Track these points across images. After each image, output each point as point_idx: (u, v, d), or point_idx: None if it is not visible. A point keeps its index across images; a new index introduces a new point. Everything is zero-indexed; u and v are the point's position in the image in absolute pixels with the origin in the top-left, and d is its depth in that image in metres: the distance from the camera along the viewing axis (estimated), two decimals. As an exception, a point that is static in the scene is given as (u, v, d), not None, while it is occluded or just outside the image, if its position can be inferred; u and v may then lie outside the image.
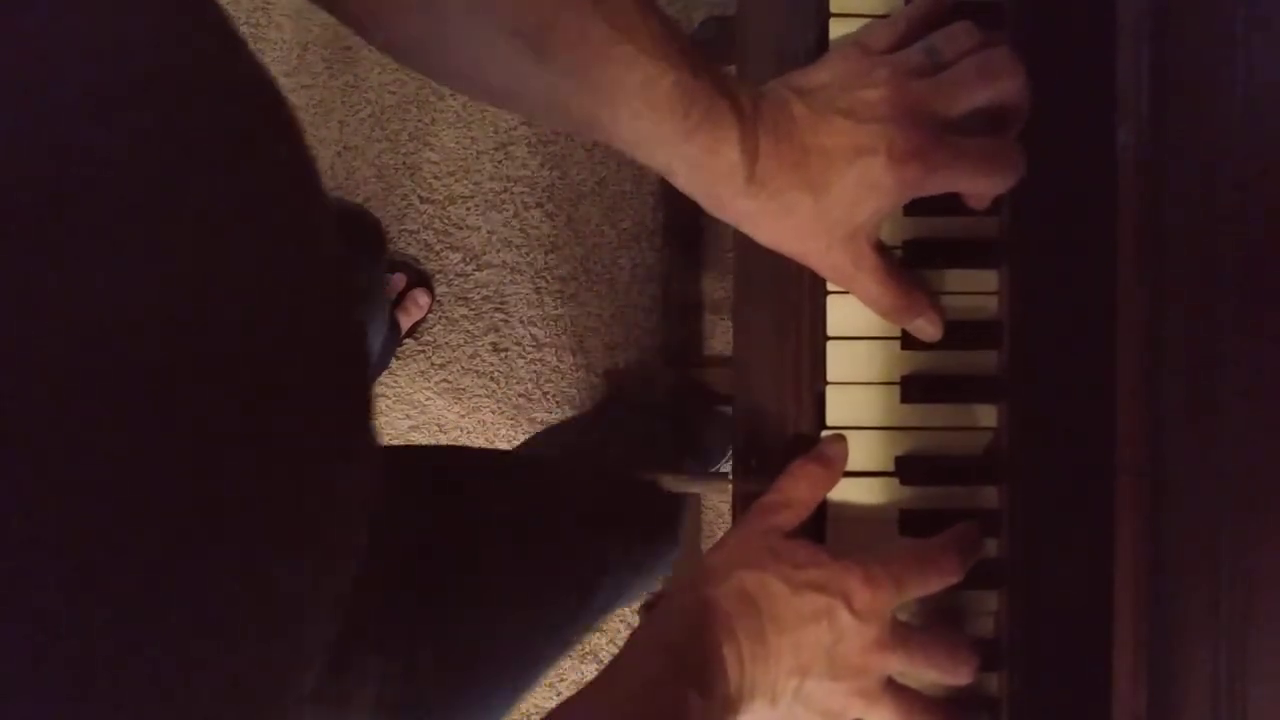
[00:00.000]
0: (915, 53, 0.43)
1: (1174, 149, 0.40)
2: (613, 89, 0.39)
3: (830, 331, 0.46)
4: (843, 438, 0.46)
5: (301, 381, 0.29)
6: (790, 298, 0.47)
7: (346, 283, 0.35)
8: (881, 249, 0.44)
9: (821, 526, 0.47)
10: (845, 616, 0.42)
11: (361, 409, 0.35)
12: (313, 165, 0.32)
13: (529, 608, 0.60)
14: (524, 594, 0.59)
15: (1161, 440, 0.39)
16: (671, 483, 0.92)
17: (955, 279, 0.46)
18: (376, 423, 0.38)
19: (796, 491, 0.45)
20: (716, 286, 1.22)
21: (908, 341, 0.46)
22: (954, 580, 0.44)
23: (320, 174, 0.33)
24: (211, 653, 0.25)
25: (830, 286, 0.46)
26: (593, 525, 0.69)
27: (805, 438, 0.47)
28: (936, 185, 0.42)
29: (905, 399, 0.46)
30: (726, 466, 1.17)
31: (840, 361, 0.46)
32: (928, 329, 0.45)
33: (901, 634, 0.43)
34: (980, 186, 0.43)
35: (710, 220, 1.30)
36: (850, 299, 0.46)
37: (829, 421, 0.47)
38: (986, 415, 0.47)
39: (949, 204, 0.45)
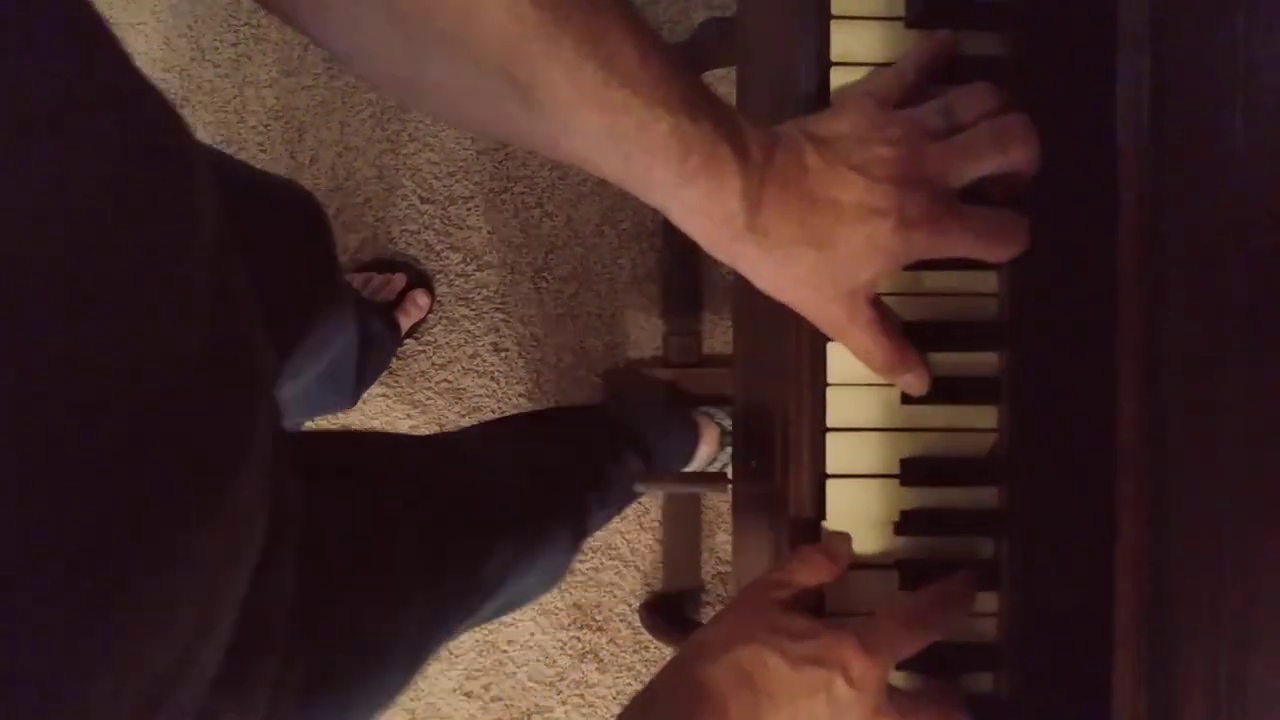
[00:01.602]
0: (932, 113, 0.43)
1: (1174, 151, 0.40)
2: (604, 133, 0.38)
3: (830, 332, 0.46)
4: (848, 536, 0.47)
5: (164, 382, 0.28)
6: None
7: (224, 276, 0.33)
8: (877, 303, 0.44)
9: (820, 528, 0.47)
10: (842, 688, 0.41)
11: (245, 424, 0.34)
12: (196, 169, 0.31)
13: (427, 603, 0.60)
14: (424, 589, 0.59)
15: (1162, 442, 0.39)
16: (650, 485, 0.92)
17: (955, 279, 0.46)
18: (269, 418, 0.37)
19: (801, 576, 0.45)
20: (716, 286, 1.22)
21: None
22: (945, 635, 0.44)
23: (190, 152, 0.31)
24: (108, 637, 0.25)
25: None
26: (498, 524, 0.69)
27: (805, 440, 0.47)
28: (942, 252, 0.42)
29: (905, 399, 0.46)
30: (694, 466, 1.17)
31: (840, 362, 0.46)
32: (915, 384, 0.45)
33: (896, 700, 0.43)
34: (985, 255, 0.43)
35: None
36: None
37: (829, 422, 0.47)
38: (986, 416, 0.47)
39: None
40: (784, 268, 0.42)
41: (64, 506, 0.24)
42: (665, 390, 1.20)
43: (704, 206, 0.40)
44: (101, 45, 0.28)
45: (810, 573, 0.45)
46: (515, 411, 1.25)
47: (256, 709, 0.41)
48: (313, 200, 0.78)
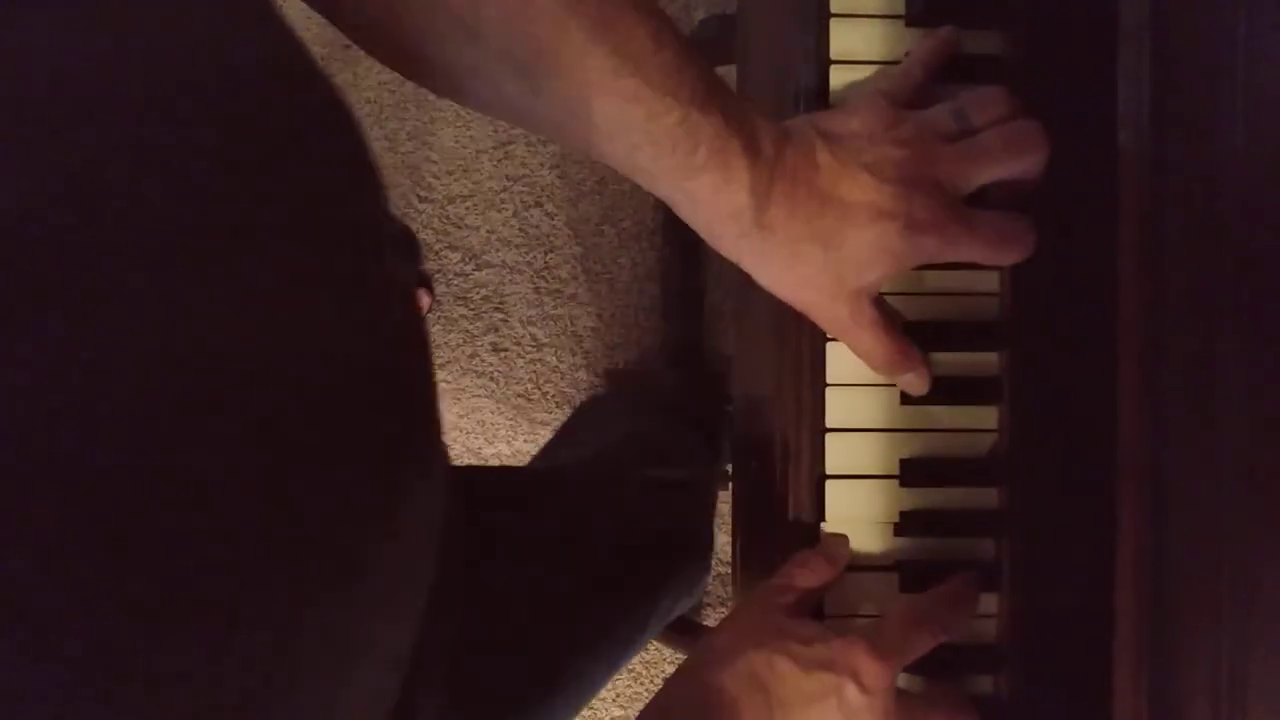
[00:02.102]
0: (944, 115, 0.43)
1: (1174, 151, 0.39)
2: (611, 121, 0.37)
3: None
4: (845, 538, 0.47)
5: (360, 405, 0.27)
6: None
7: (406, 296, 0.32)
8: (880, 303, 0.44)
9: (819, 529, 0.47)
10: (853, 693, 0.41)
11: (424, 433, 0.33)
12: (372, 166, 0.30)
13: (596, 646, 0.60)
14: (597, 631, 0.59)
15: (1162, 442, 0.39)
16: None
17: (956, 279, 0.46)
18: (443, 448, 0.36)
19: (804, 581, 0.45)
20: (716, 286, 1.22)
21: (908, 342, 0.46)
22: (954, 636, 0.44)
23: (380, 175, 0.30)
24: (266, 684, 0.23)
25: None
26: (643, 556, 0.69)
27: (804, 440, 0.47)
28: (949, 256, 0.42)
29: (906, 399, 0.46)
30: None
31: (840, 362, 0.46)
32: (916, 384, 0.45)
33: (905, 703, 0.43)
34: (991, 260, 0.43)
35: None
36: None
37: (829, 423, 0.46)
38: (987, 417, 0.47)
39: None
40: (789, 266, 0.41)
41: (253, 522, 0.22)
42: (665, 390, 1.20)
43: (710, 200, 0.40)
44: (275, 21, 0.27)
45: (809, 576, 0.45)
46: (514, 412, 1.25)
47: None
48: (413, 234, 0.77)
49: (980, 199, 0.43)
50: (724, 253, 0.42)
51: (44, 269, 0.19)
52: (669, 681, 0.44)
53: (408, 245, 0.75)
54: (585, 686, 0.60)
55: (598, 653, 0.61)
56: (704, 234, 0.42)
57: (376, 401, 0.28)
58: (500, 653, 0.51)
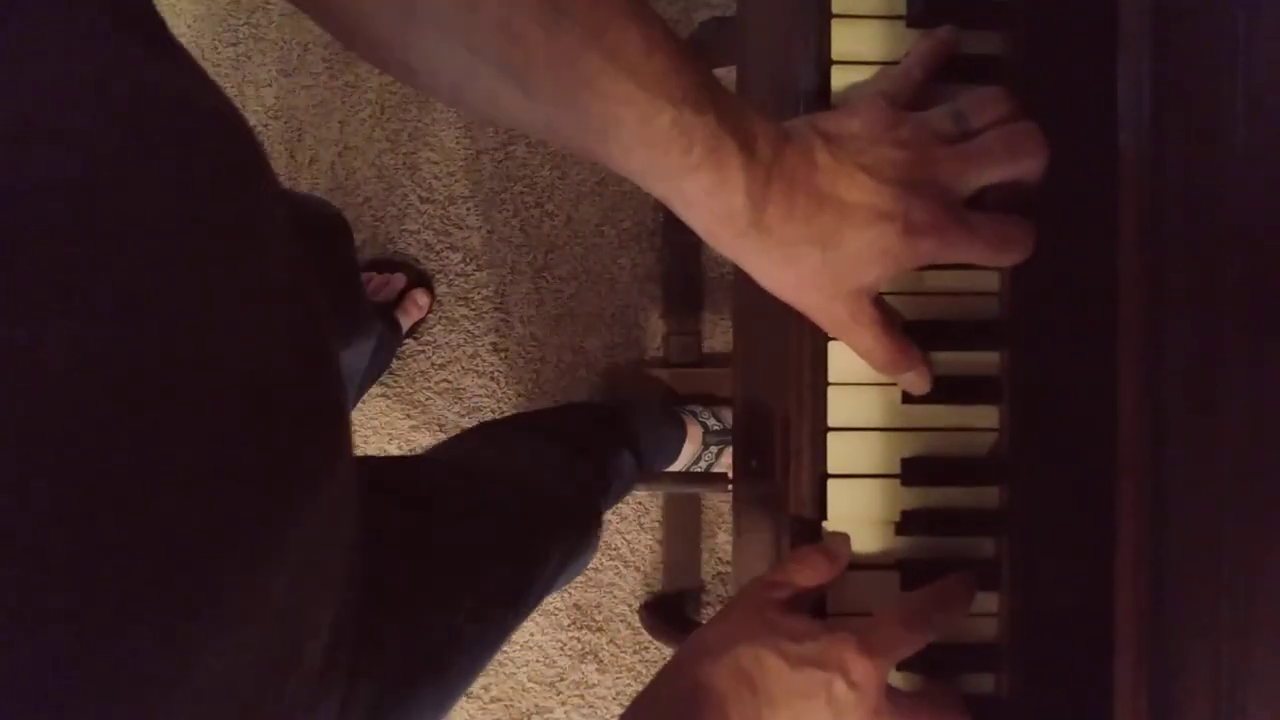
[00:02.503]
0: (943, 117, 0.43)
1: (1174, 151, 0.40)
2: (605, 124, 0.37)
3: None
4: (847, 536, 0.47)
5: (262, 412, 0.28)
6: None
7: (304, 293, 0.33)
8: (879, 302, 0.44)
9: (820, 528, 0.47)
10: (842, 689, 0.41)
11: (331, 438, 0.34)
12: (260, 168, 0.31)
13: (480, 612, 0.61)
14: (475, 599, 0.60)
15: (1162, 442, 0.39)
16: (649, 486, 0.94)
17: (956, 279, 0.46)
18: (350, 446, 0.37)
19: (800, 578, 0.45)
20: (716, 286, 1.22)
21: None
22: (943, 634, 0.44)
23: (269, 177, 0.32)
24: (202, 657, 0.25)
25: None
26: (531, 535, 0.71)
27: (805, 440, 0.47)
28: (947, 258, 0.42)
29: (906, 399, 0.46)
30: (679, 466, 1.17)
31: (841, 361, 0.46)
32: (917, 383, 0.45)
33: (895, 701, 0.43)
34: (990, 262, 0.43)
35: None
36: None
37: (830, 422, 0.47)
38: (987, 416, 0.47)
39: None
40: (787, 267, 0.41)
41: (151, 517, 0.23)
42: (664, 390, 1.20)
43: (705, 201, 0.40)
44: (174, 47, 0.28)
45: (809, 573, 0.45)
46: (514, 411, 1.25)
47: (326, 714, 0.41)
48: (342, 219, 0.79)
49: (978, 201, 0.43)
50: (722, 252, 0.42)
51: None
52: (658, 675, 0.44)
53: (332, 231, 0.76)
54: (477, 658, 0.62)
55: (483, 623, 0.62)
56: (701, 234, 0.42)
57: (274, 400, 0.29)
58: (393, 624, 0.52)
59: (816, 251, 0.41)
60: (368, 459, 0.68)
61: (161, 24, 0.28)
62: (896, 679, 0.46)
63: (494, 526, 0.67)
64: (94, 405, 0.22)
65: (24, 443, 0.20)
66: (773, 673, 0.42)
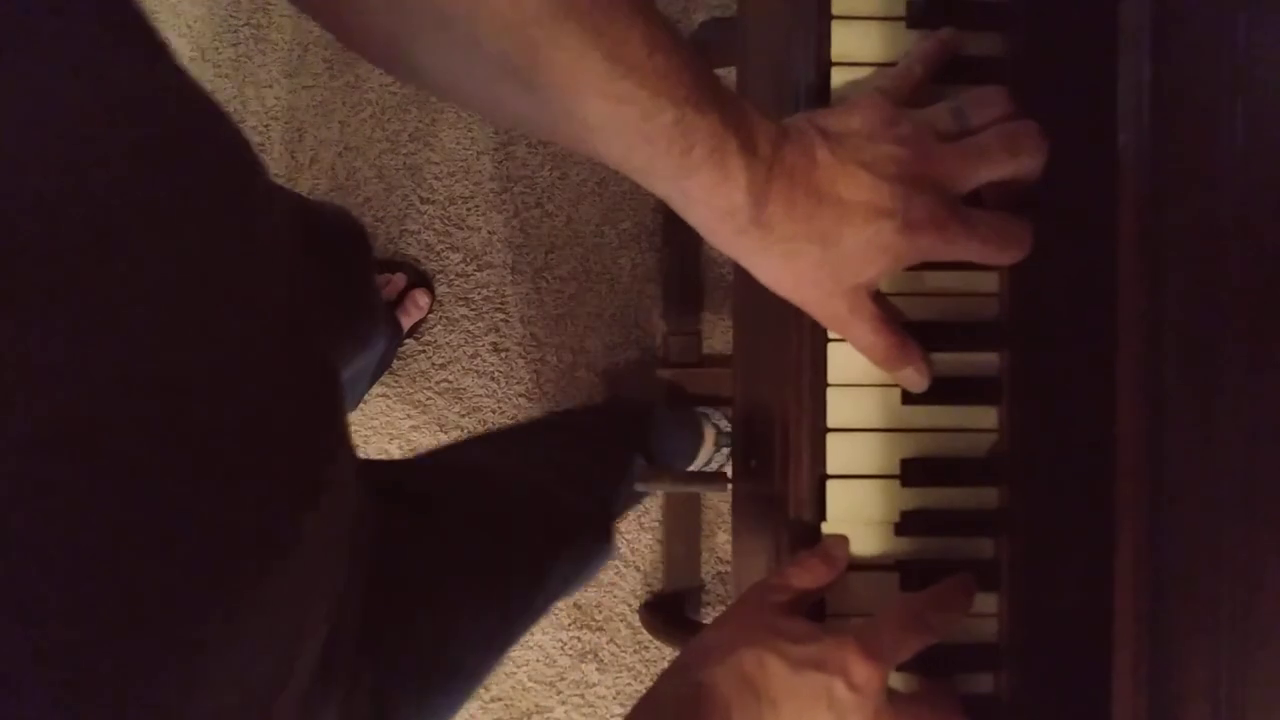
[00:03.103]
0: (943, 115, 0.43)
1: (1174, 151, 0.40)
2: (606, 122, 0.37)
3: (831, 333, 0.46)
4: (845, 539, 0.47)
5: (257, 418, 0.28)
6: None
7: (301, 303, 0.34)
8: (879, 298, 0.44)
9: (819, 529, 0.47)
10: (843, 692, 0.41)
11: (327, 439, 0.34)
12: (255, 173, 0.32)
13: (485, 617, 0.61)
14: (481, 604, 0.61)
15: (1161, 443, 0.39)
16: (649, 485, 0.94)
17: (956, 279, 0.46)
18: (350, 446, 0.38)
19: (800, 582, 0.45)
20: (716, 286, 1.22)
21: (908, 343, 0.46)
22: (944, 637, 0.44)
23: (263, 178, 0.32)
24: (200, 669, 0.25)
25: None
26: (540, 540, 0.71)
27: (805, 440, 0.47)
28: (946, 256, 0.42)
29: (906, 399, 0.46)
30: (700, 465, 1.17)
31: (841, 362, 0.46)
32: (916, 379, 0.45)
33: (896, 703, 0.43)
34: (988, 260, 0.43)
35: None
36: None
37: (830, 422, 0.47)
38: (987, 417, 0.47)
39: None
40: (787, 263, 0.42)
41: (149, 526, 0.24)
42: (665, 390, 1.20)
43: (706, 199, 0.40)
44: (156, 47, 0.29)
45: (808, 577, 0.45)
46: (516, 412, 1.25)
47: (333, 693, 0.42)
48: (359, 226, 0.79)
49: (975, 200, 0.43)
50: (721, 249, 0.42)
51: None
52: (660, 678, 0.44)
53: (350, 237, 0.77)
54: (483, 662, 0.62)
55: (489, 629, 0.62)
56: (701, 231, 0.42)
57: (272, 399, 0.30)
58: (399, 628, 0.52)
59: (816, 248, 0.41)
60: (379, 463, 0.68)
61: (152, 30, 0.28)
62: (896, 680, 0.46)
63: (503, 532, 0.67)
64: (90, 406, 0.22)
65: (25, 444, 0.21)
66: (775, 675, 0.42)
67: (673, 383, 1.20)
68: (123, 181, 0.25)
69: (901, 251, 0.41)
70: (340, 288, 0.72)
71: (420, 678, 0.54)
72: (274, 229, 0.32)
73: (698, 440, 1.14)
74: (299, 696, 0.35)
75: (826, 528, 0.47)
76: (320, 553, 0.33)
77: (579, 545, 0.77)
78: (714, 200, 0.40)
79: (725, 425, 1.16)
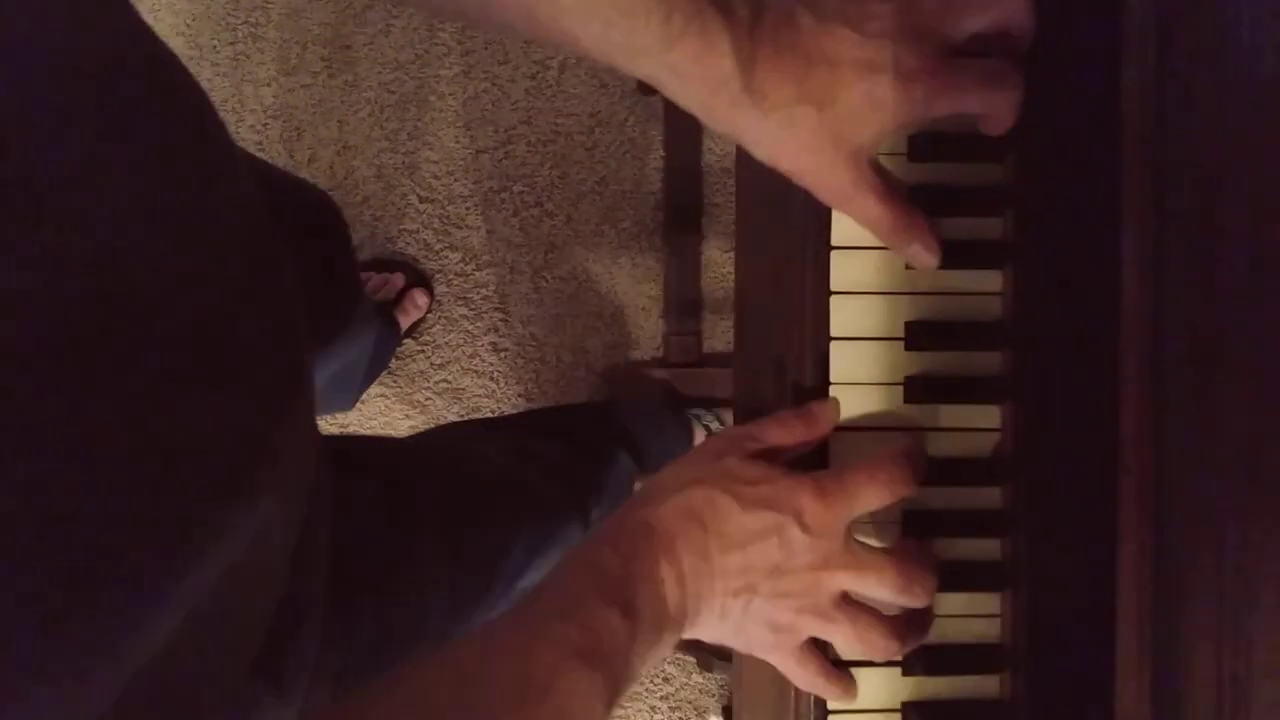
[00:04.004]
0: None
1: (1176, 151, 0.40)
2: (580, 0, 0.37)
3: (834, 332, 0.46)
4: (837, 402, 0.46)
5: (224, 327, 0.31)
6: (794, 298, 0.47)
7: (264, 231, 0.35)
8: (880, 169, 0.43)
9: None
10: (796, 533, 0.41)
11: (292, 367, 0.36)
12: (219, 132, 0.34)
13: (450, 596, 0.62)
14: (448, 583, 0.61)
15: (1164, 441, 0.39)
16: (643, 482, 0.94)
17: (958, 279, 0.46)
18: (311, 397, 0.39)
19: (773, 436, 0.45)
20: (716, 287, 1.22)
21: (911, 342, 0.46)
22: (905, 492, 0.43)
23: (223, 131, 0.35)
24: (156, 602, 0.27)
25: (834, 285, 0.46)
26: (504, 517, 0.72)
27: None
28: (941, 106, 0.42)
29: (908, 399, 0.46)
30: None
31: (843, 361, 0.46)
32: (924, 255, 0.44)
33: (853, 550, 0.43)
34: (985, 108, 0.43)
35: (710, 220, 1.30)
36: (855, 300, 0.46)
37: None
38: (990, 416, 0.47)
39: (952, 203, 0.45)
40: (784, 131, 0.41)
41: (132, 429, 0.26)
42: (663, 390, 1.20)
43: (695, 71, 0.39)
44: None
45: (786, 435, 0.45)
46: (514, 412, 1.25)
47: (295, 696, 0.42)
48: (333, 203, 0.79)
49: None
50: (718, 129, 0.42)
51: None
52: (612, 517, 0.44)
53: (322, 212, 0.77)
54: (447, 632, 0.62)
55: (456, 600, 0.63)
56: (698, 112, 0.41)
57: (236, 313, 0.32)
58: (365, 598, 0.53)
59: (813, 111, 0.40)
60: (349, 437, 0.69)
61: None
62: (896, 679, 0.46)
63: (470, 507, 0.67)
64: (59, 325, 0.24)
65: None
66: (724, 512, 0.42)
67: (668, 383, 1.20)
68: (88, 118, 0.26)
69: (898, 105, 0.41)
70: (312, 254, 0.72)
71: (384, 644, 0.54)
72: (236, 173, 0.34)
73: (688, 441, 1.14)
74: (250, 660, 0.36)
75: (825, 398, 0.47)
76: (284, 498, 0.35)
77: (545, 526, 0.77)
78: (703, 72, 0.39)
79: (716, 427, 1.17)
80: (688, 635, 0.43)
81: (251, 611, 0.37)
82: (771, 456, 0.45)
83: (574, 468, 0.91)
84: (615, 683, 0.38)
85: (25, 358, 0.23)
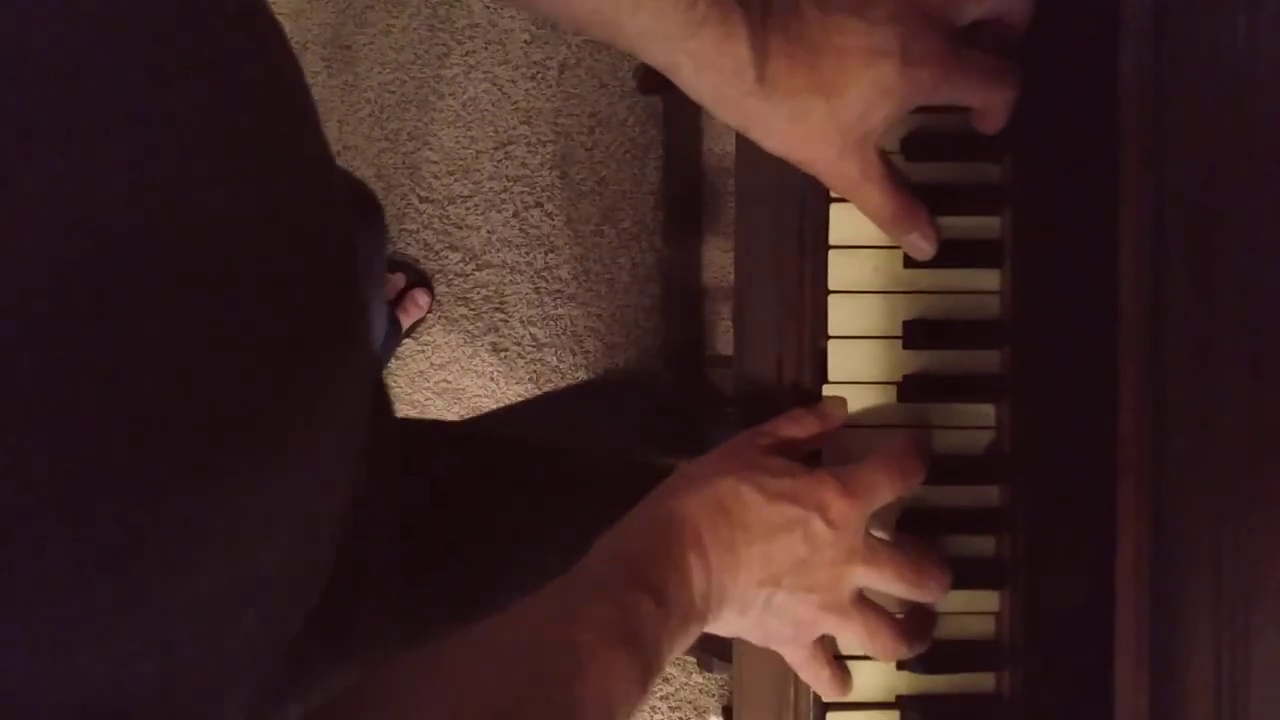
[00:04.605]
0: None
1: (1174, 150, 0.40)
2: None
3: (832, 331, 0.46)
4: (843, 400, 0.47)
5: (284, 280, 0.30)
6: (792, 296, 0.47)
7: (332, 198, 0.36)
8: (886, 159, 0.44)
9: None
10: (820, 527, 0.42)
11: (349, 316, 0.36)
12: (297, 82, 0.34)
13: (527, 577, 0.61)
14: (528, 564, 0.61)
15: (1163, 441, 0.39)
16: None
17: (958, 278, 0.46)
18: (367, 345, 0.39)
19: (789, 431, 0.46)
20: (717, 287, 1.22)
21: (909, 340, 0.46)
22: (917, 484, 0.44)
23: (307, 92, 0.35)
24: (215, 548, 0.27)
25: (833, 284, 0.46)
26: (586, 501, 0.71)
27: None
28: (945, 92, 0.42)
29: (904, 398, 0.46)
30: None
31: (842, 360, 0.46)
32: (922, 245, 0.45)
33: (872, 546, 0.43)
34: (986, 99, 0.43)
35: (710, 220, 1.30)
36: (853, 299, 0.46)
37: (830, 421, 0.46)
38: (987, 415, 0.47)
39: (950, 202, 0.45)
40: (794, 122, 0.42)
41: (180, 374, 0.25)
42: (664, 391, 1.20)
43: (714, 59, 0.40)
44: None
45: (800, 430, 0.46)
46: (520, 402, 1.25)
47: (352, 660, 0.42)
48: (375, 196, 0.80)
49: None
50: (729, 119, 0.43)
51: None
52: (637, 507, 0.44)
53: (366, 205, 0.78)
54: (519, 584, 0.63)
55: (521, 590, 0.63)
56: (710, 102, 0.42)
57: (292, 274, 0.31)
58: (430, 582, 0.53)
59: (821, 101, 0.41)
60: (453, 423, 0.68)
61: None
62: (895, 675, 0.46)
63: (549, 497, 0.67)
64: (104, 255, 0.24)
65: (37, 290, 0.22)
66: (749, 505, 0.42)
67: (668, 383, 1.20)
68: (149, 44, 0.26)
69: (904, 90, 0.41)
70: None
71: (441, 629, 0.54)
72: (310, 128, 0.34)
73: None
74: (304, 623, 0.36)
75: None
76: (341, 435, 0.34)
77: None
78: (721, 60, 0.40)
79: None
80: (709, 629, 0.43)
81: (313, 571, 0.37)
82: (788, 450, 0.45)
83: (636, 455, 0.91)
84: (649, 668, 0.39)
85: (61, 286, 0.23)
